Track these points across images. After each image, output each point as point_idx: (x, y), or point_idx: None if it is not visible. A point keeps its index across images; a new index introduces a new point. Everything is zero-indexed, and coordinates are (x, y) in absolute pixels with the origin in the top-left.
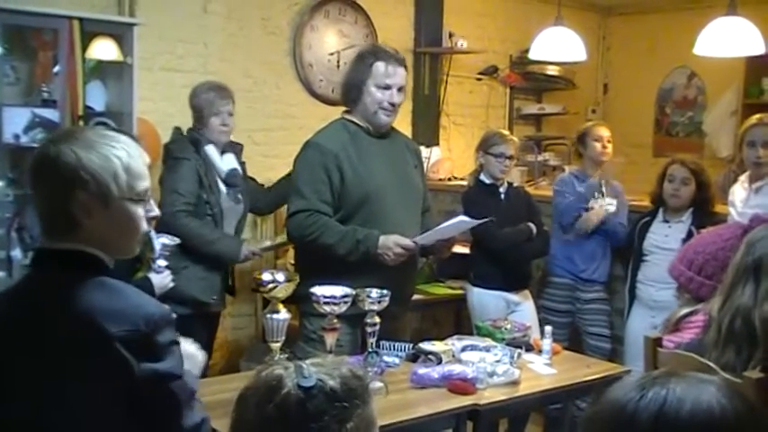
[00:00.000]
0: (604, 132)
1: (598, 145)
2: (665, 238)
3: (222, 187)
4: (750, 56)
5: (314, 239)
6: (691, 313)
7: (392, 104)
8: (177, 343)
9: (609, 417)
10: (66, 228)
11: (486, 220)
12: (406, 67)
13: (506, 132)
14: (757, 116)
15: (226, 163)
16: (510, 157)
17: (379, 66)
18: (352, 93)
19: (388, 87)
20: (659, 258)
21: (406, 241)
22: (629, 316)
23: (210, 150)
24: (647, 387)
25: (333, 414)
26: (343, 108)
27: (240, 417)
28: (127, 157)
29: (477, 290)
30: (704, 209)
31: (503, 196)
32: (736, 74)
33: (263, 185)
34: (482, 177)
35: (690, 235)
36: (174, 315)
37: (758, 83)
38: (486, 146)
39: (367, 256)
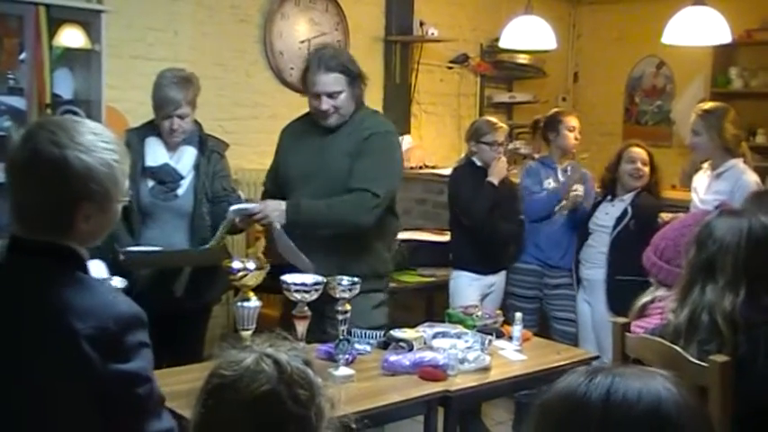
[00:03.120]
0: (576, 123)
1: (571, 135)
2: (605, 216)
3: (149, 183)
4: (717, 45)
5: None
6: (654, 300)
7: (323, 111)
8: (147, 345)
9: (561, 400)
10: (59, 228)
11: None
12: (342, 69)
13: (495, 120)
14: (702, 105)
15: (161, 157)
16: (501, 144)
17: (309, 76)
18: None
19: (317, 96)
20: (595, 238)
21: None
22: (577, 297)
23: (150, 143)
24: (594, 374)
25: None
26: None
27: (214, 405)
28: (122, 160)
29: (461, 274)
30: (653, 191)
31: None
32: (703, 63)
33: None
34: (474, 160)
35: (624, 213)
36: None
37: (725, 72)
38: (477, 136)
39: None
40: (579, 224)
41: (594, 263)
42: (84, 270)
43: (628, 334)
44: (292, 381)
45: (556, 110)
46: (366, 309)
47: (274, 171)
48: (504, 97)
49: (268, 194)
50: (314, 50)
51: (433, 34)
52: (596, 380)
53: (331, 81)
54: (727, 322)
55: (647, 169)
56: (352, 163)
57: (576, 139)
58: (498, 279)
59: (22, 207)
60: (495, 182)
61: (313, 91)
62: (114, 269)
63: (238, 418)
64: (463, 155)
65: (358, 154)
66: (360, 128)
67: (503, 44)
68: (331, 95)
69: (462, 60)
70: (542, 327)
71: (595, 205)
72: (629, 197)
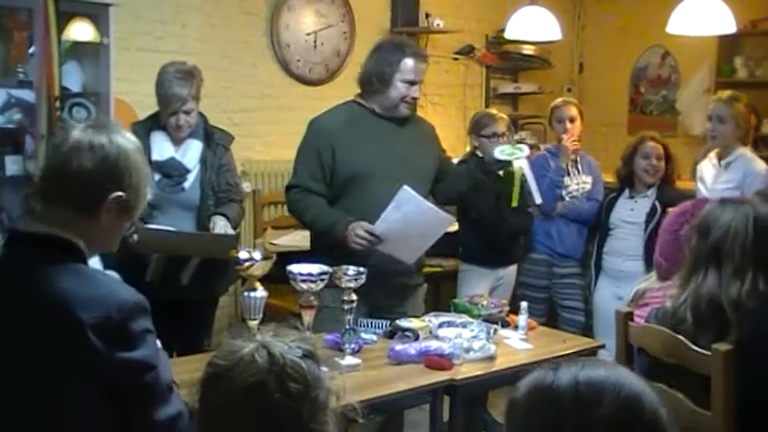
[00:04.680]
0: (566, 113)
1: (560, 126)
2: (631, 213)
3: (156, 176)
4: (722, 35)
5: (298, 215)
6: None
7: (414, 99)
8: (152, 332)
9: (530, 392)
10: (82, 214)
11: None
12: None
13: (494, 112)
14: (723, 92)
15: (167, 151)
16: (502, 135)
17: (408, 62)
18: (374, 83)
19: (413, 83)
20: (624, 232)
21: (371, 227)
22: (596, 288)
23: (155, 137)
24: (557, 365)
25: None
26: (357, 91)
27: (210, 393)
28: (148, 169)
29: (469, 267)
30: (669, 183)
31: None
32: (708, 52)
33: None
34: (478, 153)
35: (653, 209)
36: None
37: (730, 61)
38: (477, 129)
39: (338, 240)
40: (592, 215)
41: (630, 255)
42: (84, 262)
43: (631, 323)
44: (284, 373)
45: (554, 102)
46: (421, 300)
47: (322, 170)
48: (509, 88)
49: (318, 195)
50: (398, 40)
51: (438, 25)
52: (561, 369)
53: (426, 70)
54: (733, 308)
55: (662, 164)
56: (434, 153)
57: (566, 129)
58: (507, 272)
59: (58, 188)
60: (501, 173)
61: (410, 78)
62: (120, 257)
63: (232, 407)
64: (468, 148)
65: (433, 144)
66: (414, 118)
67: (508, 35)
68: (419, 83)
69: (468, 51)
70: (551, 317)
71: (612, 199)
72: (652, 193)
